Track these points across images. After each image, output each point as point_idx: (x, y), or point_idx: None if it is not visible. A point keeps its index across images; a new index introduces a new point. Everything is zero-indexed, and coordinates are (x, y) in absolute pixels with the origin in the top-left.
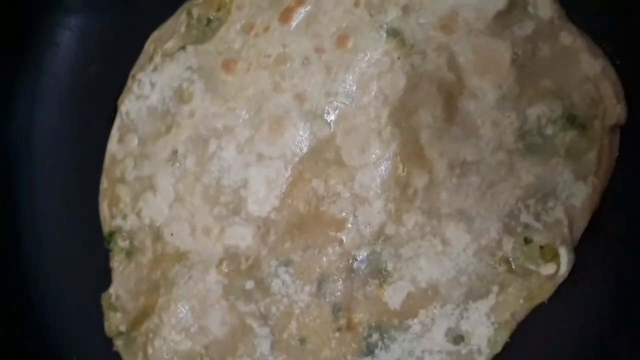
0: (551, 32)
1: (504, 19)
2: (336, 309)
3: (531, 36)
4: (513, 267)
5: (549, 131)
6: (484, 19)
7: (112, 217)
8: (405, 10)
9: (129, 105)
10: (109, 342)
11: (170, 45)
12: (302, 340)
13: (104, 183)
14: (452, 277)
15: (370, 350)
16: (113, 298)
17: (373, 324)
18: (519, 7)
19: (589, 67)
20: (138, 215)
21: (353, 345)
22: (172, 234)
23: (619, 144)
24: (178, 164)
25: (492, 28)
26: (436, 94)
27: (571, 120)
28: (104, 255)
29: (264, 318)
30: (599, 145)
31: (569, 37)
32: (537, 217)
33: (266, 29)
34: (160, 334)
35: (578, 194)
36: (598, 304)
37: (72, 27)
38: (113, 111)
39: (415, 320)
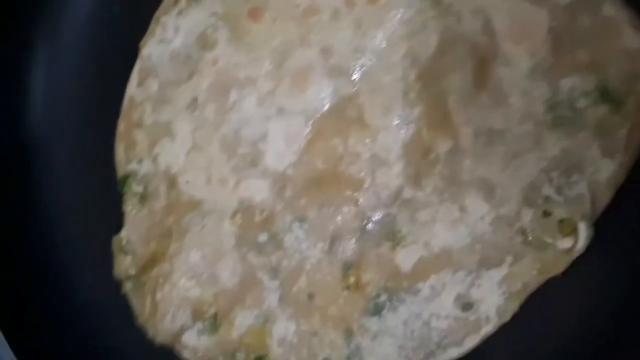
0: (593, 1)
1: None
2: (346, 268)
3: (571, 5)
4: (529, 238)
5: (580, 104)
6: None
7: (128, 161)
8: None
9: (151, 49)
10: (118, 285)
11: None
12: (311, 296)
13: (121, 126)
14: (467, 244)
15: (377, 310)
16: (124, 242)
17: (382, 285)
18: None
19: (629, 41)
20: (154, 160)
21: (361, 304)
22: (187, 182)
23: None
24: (198, 112)
25: None
26: (468, 58)
27: (604, 94)
28: (118, 199)
29: (274, 271)
30: (630, 122)
31: (612, 8)
32: (559, 190)
33: None
34: (171, 279)
35: (603, 170)
36: (612, 282)
37: None
38: (135, 54)
39: (426, 284)
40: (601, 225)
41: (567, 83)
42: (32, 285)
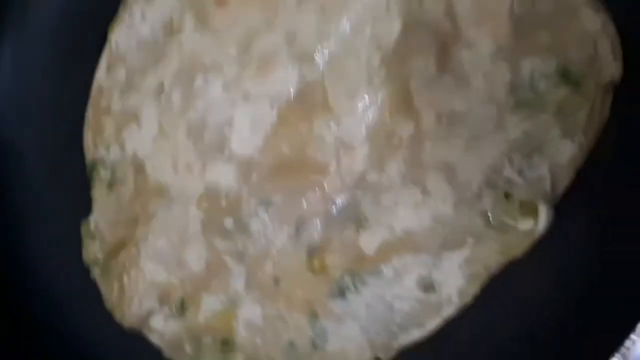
0: None
1: None
2: (311, 251)
3: None
4: (491, 220)
5: (541, 86)
6: None
7: (96, 147)
8: None
9: (119, 35)
10: (87, 270)
11: None
12: (276, 280)
13: (90, 113)
14: (429, 226)
15: (341, 292)
16: (92, 227)
17: (346, 268)
18: None
19: (589, 22)
20: (121, 146)
21: (325, 287)
22: (154, 167)
23: (610, 105)
24: (164, 98)
25: None
26: (430, 41)
27: (565, 76)
28: (86, 185)
29: (240, 256)
30: (590, 104)
31: None
32: (520, 172)
33: None
34: (137, 264)
35: (564, 152)
36: (574, 264)
37: None
38: (104, 40)
39: (388, 266)
40: (562, 208)
41: (528, 65)
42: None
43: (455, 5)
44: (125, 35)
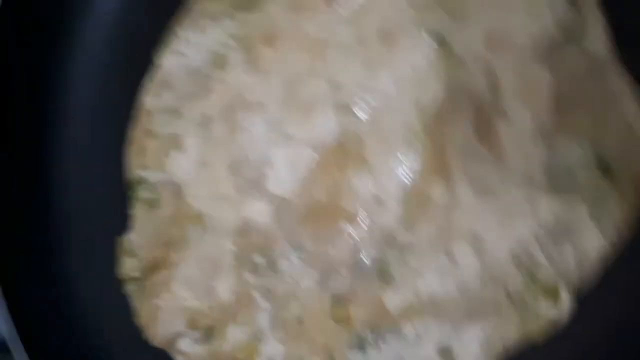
0: (600, 71)
1: (555, 48)
2: (336, 300)
3: (578, 72)
4: (514, 298)
5: (576, 172)
6: (535, 45)
7: (138, 166)
8: (455, 17)
9: (166, 60)
10: (119, 284)
11: (213, 7)
12: (300, 321)
13: (134, 132)
14: (453, 295)
15: (361, 345)
16: (129, 244)
17: (368, 322)
18: (573, 40)
19: (631, 115)
20: (162, 170)
21: (346, 337)
22: (192, 195)
23: None
24: (207, 129)
25: (541, 55)
26: (471, 110)
27: (602, 167)
28: (124, 202)
29: (268, 293)
30: (627, 198)
31: (617, 80)
32: (548, 255)
33: (313, 10)
34: (169, 287)
35: (594, 243)
36: (592, 356)
37: None
38: (150, 61)
39: (410, 327)
40: (585, 298)
41: (566, 148)
42: (35, 274)
43: (500, 77)
44: (174, 61)
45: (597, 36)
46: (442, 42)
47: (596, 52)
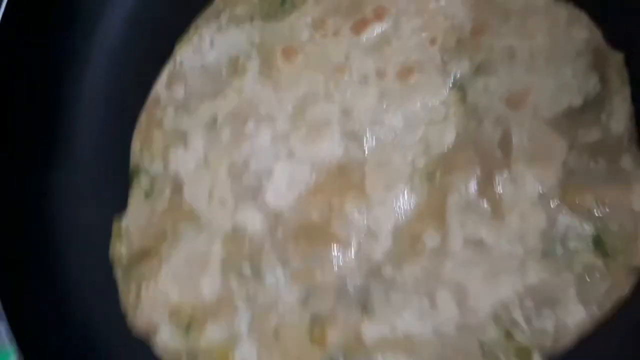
0: (615, 149)
1: (573, 117)
2: (315, 320)
3: (593, 145)
4: (486, 352)
5: (572, 246)
6: (554, 110)
7: (142, 155)
8: (479, 69)
9: (184, 55)
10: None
11: (239, 10)
12: (276, 334)
13: (142, 121)
14: (429, 337)
15: None
16: (123, 228)
17: (342, 347)
18: (593, 111)
19: (638, 201)
20: (165, 163)
21: (319, 357)
22: (190, 192)
23: (633, 286)
24: (214, 131)
25: (558, 121)
26: (478, 163)
27: (599, 245)
28: (126, 186)
29: (250, 300)
30: (614, 279)
31: (631, 163)
32: (527, 318)
33: (336, 33)
34: (156, 278)
35: (574, 316)
36: None
37: None
38: (167, 53)
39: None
40: None
41: (566, 221)
42: (32, 257)
43: (512, 137)
44: (191, 56)
45: (619, 114)
46: (461, 90)
47: (615, 130)
